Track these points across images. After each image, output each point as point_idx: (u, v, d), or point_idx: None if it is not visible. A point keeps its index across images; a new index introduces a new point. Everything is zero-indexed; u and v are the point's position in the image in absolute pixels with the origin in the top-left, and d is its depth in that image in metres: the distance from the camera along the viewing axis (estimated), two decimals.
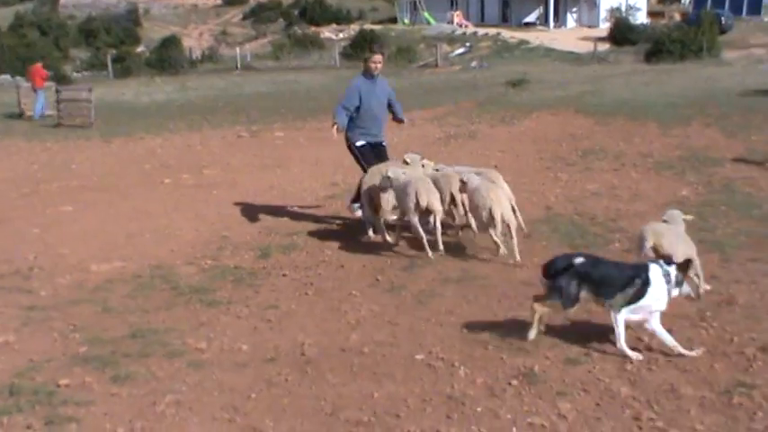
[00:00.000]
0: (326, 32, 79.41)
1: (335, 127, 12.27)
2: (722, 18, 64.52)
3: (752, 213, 12.03)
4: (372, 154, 12.48)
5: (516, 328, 7.78)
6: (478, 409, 6.24)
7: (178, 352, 7.57)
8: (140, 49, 77.34)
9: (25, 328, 8.40)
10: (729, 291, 8.75)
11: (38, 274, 10.25)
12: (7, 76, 57.61)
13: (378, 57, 12.68)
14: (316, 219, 12.64)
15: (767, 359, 6.97)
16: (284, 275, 9.87)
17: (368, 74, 12.55)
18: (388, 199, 11.08)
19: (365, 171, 11.94)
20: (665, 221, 9.24)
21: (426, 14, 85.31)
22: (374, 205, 11.30)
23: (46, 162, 20.45)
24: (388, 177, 10.82)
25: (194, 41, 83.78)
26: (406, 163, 11.58)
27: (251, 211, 13.25)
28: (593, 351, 7.26)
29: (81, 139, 25.60)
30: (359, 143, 12.51)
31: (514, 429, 5.93)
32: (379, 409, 6.30)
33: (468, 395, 6.50)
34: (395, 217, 11.24)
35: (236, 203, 13.95)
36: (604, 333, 7.63)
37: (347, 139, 12.55)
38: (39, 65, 38.17)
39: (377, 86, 12.67)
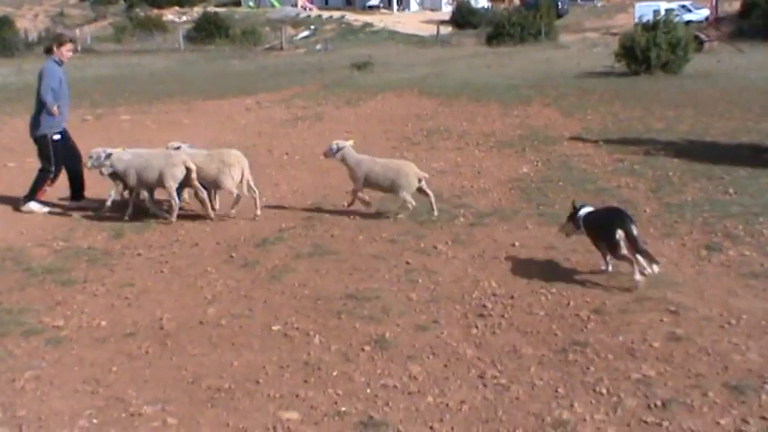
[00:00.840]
0: (169, 15, 78.75)
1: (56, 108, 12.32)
2: (559, 3, 66.32)
3: (587, 188, 12.64)
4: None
5: (368, 298, 8.14)
6: (334, 374, 6.51)
7: (35, 330, 7.60)
8: None
9: None
10: (567, 258, 9.22)
11: None
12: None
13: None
14: (164, 202, 12.58)
15: (599, 320, 7.46)
16: (139, 255, 9.91)
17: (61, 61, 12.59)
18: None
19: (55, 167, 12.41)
20: None
21: None
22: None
23: None
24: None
25: (29, 23, 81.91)
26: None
27: (99, 193, 13.14)
28: (441, 318, 7.62)
29: None
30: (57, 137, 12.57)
31: (368, 390, 6.21)
32: (239, 377, 6.50)
33: (323, 361, 6.76)
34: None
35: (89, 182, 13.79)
36: (452, 301, 8.04)
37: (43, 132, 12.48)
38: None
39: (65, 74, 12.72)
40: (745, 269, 8.72)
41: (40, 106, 12.32)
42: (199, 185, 11.29)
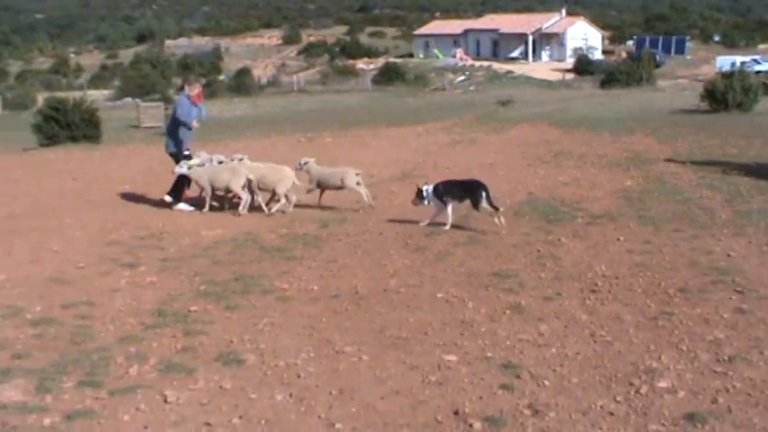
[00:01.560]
0: (360, 64, 79.50)
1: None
2: (657, 56, 64.69)
3: (676, 198, 12.34)
4: None
5: (508, 276, 8.24)
6: (482, 329, 6.64)
7: (269, 290, 7.94)
8: (222, 77, 77.53)
9: (162, 272, 8.78)
10: (660, 250, 9.15)
11: (166, 237, 10.58)
12: (129, 99, 58.14)
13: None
14: (358, 201, 12.62)
15: (683, 296, 7.40)
16: (339, 240, 10.13)
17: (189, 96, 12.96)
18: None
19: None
20: None
21: (436, 51, 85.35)
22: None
23: (161, 159, 20.78)
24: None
25: (261, 71, 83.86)
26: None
27: (312, 195, 13.47)
28: (563, 292, 7.68)
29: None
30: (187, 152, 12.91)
31: (508, 342, 6.33)
32: (413, 329, 6.68)
33: (475, 320, 6.89)
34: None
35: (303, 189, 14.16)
36: (572, 279, 8.09)
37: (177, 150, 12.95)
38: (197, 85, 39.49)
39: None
40: None
41: (175, 127, 12.80)
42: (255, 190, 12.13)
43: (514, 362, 5.91)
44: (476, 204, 10.49)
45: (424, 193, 10.79)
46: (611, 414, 5.05)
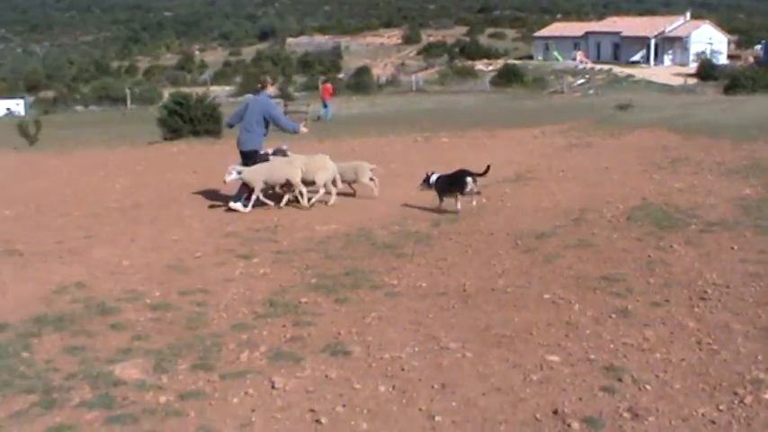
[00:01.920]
0: (479, 65, 79.25)
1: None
2: None
3: None
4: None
5: (616, 280, 8.19)
6: (587, 332, 6.62)
7: (378, 286, 8.10)
8: (341, 75, 78.57)
9: (275, 264, 9.06)
10: None
11: (280, 231, 10.88)
12: (250, 95, 59.58)
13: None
14: (467, 200, 12.80)
15: None
16: (450, 239, 10.17)
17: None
18: None
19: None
20: None
21: (556, 53, 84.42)
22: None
23: None
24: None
25: (380, 70, 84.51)
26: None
27: (425, 194, 13.51)
28: (671, 298, 7.59)
29: (302, 140, 26.41)
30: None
31: (612, 345, 6.30)
32: (518, 329, 6.72)
33: (580, 322, 6.87)
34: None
35: (414, 188, 14.23)
36: (681, 286, 7.98)
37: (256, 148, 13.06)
38: (328, 84, 40.36)
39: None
40: None
41: (258, 126, 12.93)
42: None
43: (617, 365, 5.89)
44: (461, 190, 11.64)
45: (431, 180, 12.03)
46: (713, 422, 5.00)
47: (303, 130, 13.19)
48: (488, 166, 12.04)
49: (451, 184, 11.79)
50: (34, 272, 8.99)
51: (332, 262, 9.16)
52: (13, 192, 15.60)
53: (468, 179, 11.57)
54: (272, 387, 5.60)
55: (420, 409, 5.20)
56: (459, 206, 11.71)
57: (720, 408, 5.20)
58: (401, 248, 9.72)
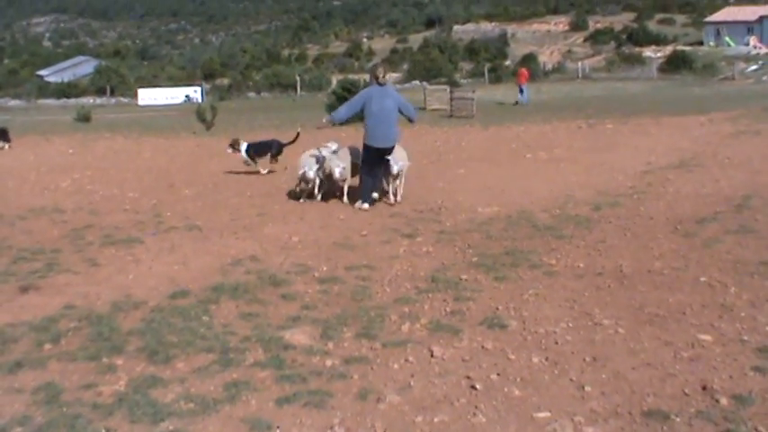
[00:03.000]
0: (647, 52, 76.87)
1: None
2: None
3: None
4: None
5: None
6: (742, 314, 6.54)
7: (537, 265, 8.22)
8: (507, 62, 78.06)
9: (438, 243, 9.34)
10: None
11: (444, 212, 11.16)
12: (416, 82, 60.24)
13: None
14: (632, 186, 12.67)
15: None
16: (610, 222, 10.15)
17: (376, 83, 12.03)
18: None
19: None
20: None
21: (727, 38, 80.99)
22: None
23: (444, 140, 21.66)
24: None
25: (547, 57, 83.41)
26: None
27: (588, 179, 13.52)
28: None
29: (466, 125, 26.71)
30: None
31: (767, 328, 6.28)
32: (672, 309, 6.72)
33: (735, 305, 6.78)
34: None
35: (577, 173, 14.30)
36: None
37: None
38: (524, 69, 41.13)
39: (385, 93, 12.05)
40: None
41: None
42: None
43: None
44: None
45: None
46: None
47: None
48: (298, 134, 13.99)
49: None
50: (212, 245, 9.63)
51: (493, 242, 9.36)
52: (192, 173, 16.57)
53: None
54: (431, 355, 5.88)
55: (571, 380, 5.36)
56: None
57: None
58: (561, 230, 9.80)
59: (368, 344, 6.17)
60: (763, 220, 10.04)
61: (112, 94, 68.13)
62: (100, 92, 69.39)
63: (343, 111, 12.42)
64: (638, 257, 8.45)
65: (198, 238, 10.10)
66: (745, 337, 6.05)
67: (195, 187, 14.36)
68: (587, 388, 5.22)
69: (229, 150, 15.88)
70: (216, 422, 4.92)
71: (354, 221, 10.76)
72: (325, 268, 8.41)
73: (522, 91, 37.98)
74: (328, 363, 5.82)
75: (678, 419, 4.76)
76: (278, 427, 4.83)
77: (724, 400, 4.99)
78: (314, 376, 5.56)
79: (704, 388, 5.18)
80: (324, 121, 14.33)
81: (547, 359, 5.73)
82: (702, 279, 7.59)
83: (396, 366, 5.72)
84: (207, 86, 67.67)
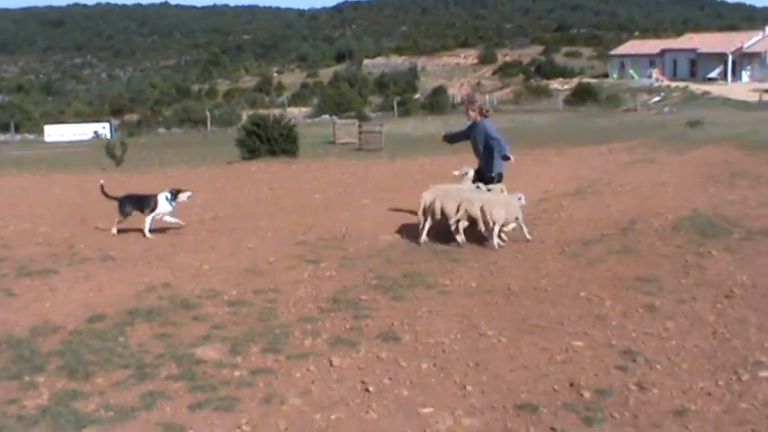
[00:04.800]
0: (554, 84, 79.46)
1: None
2: None
3: None
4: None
5: (650, 281, 8.88)
6: (614, 323, 7.36)
7: (432, 285, 8.91)
8: (417, 95, 79.67)
9: (341, 268, 9.96)
10: None
11: (348, 239, 11.77)
12: (326, 116, 61.09)
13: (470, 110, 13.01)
14: (528, 213, 13.23)
15: None
16: (503, 247, 10.87)
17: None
18: None
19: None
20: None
21: (631, 71, 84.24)
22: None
23: (352, 172, 22.34)
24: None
25: (456, 90, 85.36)
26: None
27: None
28: (698, 296, 8.26)
29: (374, 158, 27.49)
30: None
31: (633, 334, 7.03)
32: (551, 320, 7.50)
33: (608, 316, 7.61)
34: None
35: None
36: (710, 286, 8.66)
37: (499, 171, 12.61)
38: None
39: (476, 130, 12.76)
40: None
41: (492, 151, 12.39)
42: None
43: (634, 349, 6.66)
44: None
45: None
46: (709, 394, 5.75)
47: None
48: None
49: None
50: (126, 274, 10.09)
51: (392, 266, 10.02)
52: (103, 207, 16.86)
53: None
54: (330, 365, 6.53)
55: (455, 381, 6.07)
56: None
57: (719, 383, 5.93)
58: (457, 254, 10.55)
59: (273, 357, 6.78)
60: (646, 241, 10.98)
61: (17, 130, 67.09)
62: (4, 128, 68.19)
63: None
64: (527, 276, 9.25)
65: (112, 268, 10.52)
66: (614, 342, 6.85)
67: (108, 220, 14.69)
68: (468, 388, 5.93)
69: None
70: (134, 427, 5.47)
71: (262, 250, 11.31)
72: (234, 292, 8.97)
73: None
74: (236, 374, 6.40)
75: (546, 410, 5.50)
76: (191, 429, 5.41)
77: (587, 394, 5.74)
78: (223, 385, 6.15)
79: (572, 385, 5.93)
80: None
81: (435, 365, 6.43)
82: (582, 294, 8.42)
83: (298, 375, 6.34)
84: (115, 122, 67.30)
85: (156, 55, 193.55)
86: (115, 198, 13.10)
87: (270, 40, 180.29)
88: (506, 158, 12.35)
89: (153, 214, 12.66)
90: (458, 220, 11.03)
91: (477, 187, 12.12)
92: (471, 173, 12.87)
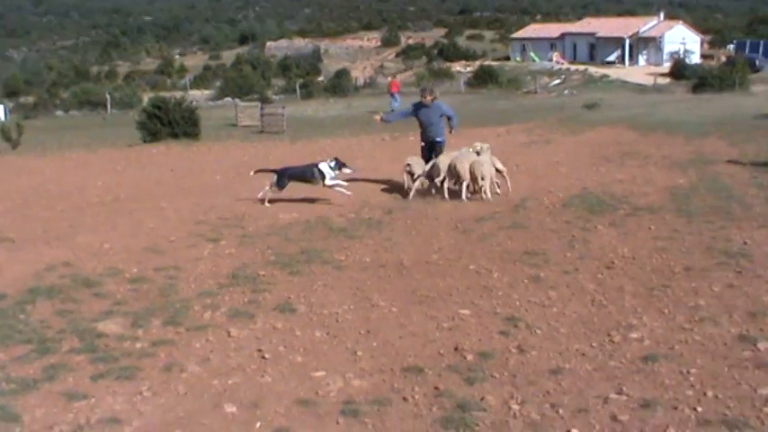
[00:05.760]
0: (457, 67, 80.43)
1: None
2: (756, 60, 63.93)
3: (721, 194, 13.04)
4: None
5: (537, 254, 9.39)
6: (500, 293, 7.82)
7: (328, 261, 9.26)
8: (320, 78, 79.70)
9: (240, 246, 10.22)
10: (683, 238, 10.09)
11: (247, 219, 12.00)
12: (229, 98, 60.71)
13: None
14: (423, 191, 13.95)
15: (686, 274, 8.35)
16: (398, 224, 11.31)
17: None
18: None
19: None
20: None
21: (532, 54, 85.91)
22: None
23: (253, 154, 22.48)
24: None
25: (359, 72, 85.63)
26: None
27: (385, 186, 14.84)
28: (581, 267, 8.78)
29: (276, 140, 27.65)
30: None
31: (518, 303, 7.49)
32: (440, 291, 7.91)
33: (495, 286, 8.06)
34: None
35: (376, 180, 15.52)
36: (593, 258, 9.20)
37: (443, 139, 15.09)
38: (394, 79, 43.39)
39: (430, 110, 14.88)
40: None
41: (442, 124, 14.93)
42: None
43: (518, 316, 7.11)
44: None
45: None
46: (583, 354, 6.22)
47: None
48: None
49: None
50: (26, 254, 10.12)
51: (291, 243, 10.33)
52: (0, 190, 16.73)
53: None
54: (229, 335, 6.82)
55: (346, 347, 6.43)
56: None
57: (593, 345, 6.41)
58: (354, 232, 10.91)
59: (173, 329, 7.03)
60: (536, 217, 11.51)
61: None
62: None
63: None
64: (419, 251, 9.66)
65: (11, 249, 10.51)
66: (499, 310, 7.30)
67: (3, 203, 14.61)
68: (359, 353, 6.29)
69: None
70: (37, 397, 5.65)
71: (163, 229, 11.45)
72: (135, 270, 9.13)
73: (395, 99, 39.68)
74: (138, 345, 6.64)
75: (431, 372, 5.90)
76: (93, 397, 5.62)
77: (470, 357, 6.16)
78: (125, 356, 6.38)
79: (456, 349, 6.34)
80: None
81: (328, 333, 6.78)
82: (471, 267, 8.87)
83: (197, 345, 6.61)
84: (10, 105, 65.46)
85: (53, 35, 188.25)
86: (273, 171, 13.71)
87: (171, 22, 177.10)
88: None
89: (333, 182, 13.45)
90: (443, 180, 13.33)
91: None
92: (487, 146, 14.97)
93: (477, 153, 14.05)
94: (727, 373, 5.80)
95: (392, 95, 41.04)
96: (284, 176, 13.31)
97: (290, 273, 8.82)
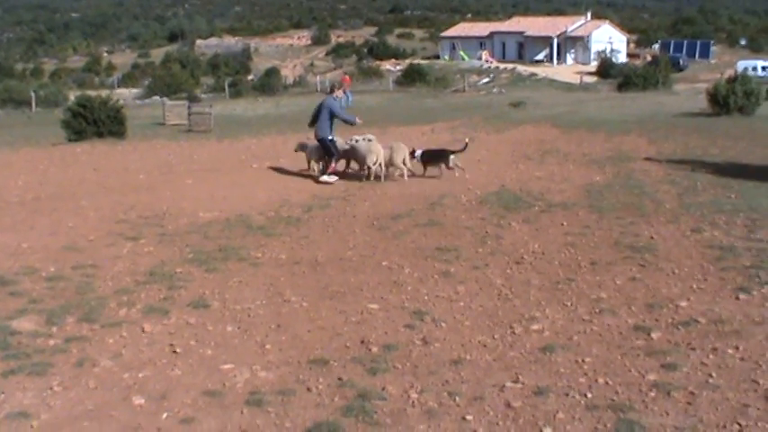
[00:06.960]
0: (387, 65, 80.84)
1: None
2: (680, 60, 65.57)
3: (633, 191, 13.41)
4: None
5: (449, 250, 9.67)
6: (409, 288, 8.08)
7: (244, 258, 9.44)
8: (250, 77, 79.40)
9: (159, 244, 10.32)
10: (593, 233, 10.46)
11: (168, 217, 12.07)
12: (157, 97, 60.18)
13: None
14: (345, 190, 14.16)
15: (591, 268, 8.71)
16: (316, 221, 11.54)
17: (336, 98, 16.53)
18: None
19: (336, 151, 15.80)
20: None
21: (462, 53, 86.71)
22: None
23: (178, 153, 22.38)
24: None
25: (289, 71, 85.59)
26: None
27: (305, 185, 14.88)
28: (491, 263, 9.10)
29: (203, 139, 27.53)
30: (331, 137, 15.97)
31: (426, 297, 7.77)
32: (352, 287, 8.16)
33: (406, 282, 8.33)
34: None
35: (296, 180, 15.62)
36: (504, 254, 9.51)
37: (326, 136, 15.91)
38: (346, 76, 43.52)
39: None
40: (708, 243, 9.66)
41: (327, 120, 15.92)
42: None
43: (424, 310, 7.39)
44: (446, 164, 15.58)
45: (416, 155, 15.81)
46: (484, 346, 6.51)
47: (358, 121, 16.74)
48: (466, 143, 16.38)
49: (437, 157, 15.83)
50: None
51: (209, 241, 10.47)
52: None
53: (452, 156, 15.56)
54: (142, 331, 6.99)
55: (256, 341, 6.64)
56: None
57: (495, 336, 6.71)
58: (272, 229, 11.09)
59: (88, 326, 7.17)
60: (451, 214, 11.81)
61: None
62: None
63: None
64: (334, 249, 9.89)
65: None
66: (407, 305, 7.57)
67: None
68: (268, 346, 6.51)
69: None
70: None
71: (83, 228, 11.47)
72: (52, 269, 9.19)
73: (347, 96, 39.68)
74: (51, 342, 6.77)
75: (336, 364, 6.14)
76: (2, 393, 5.73)
77: (375, 349, 6.41)
78: (37, 353, 6.51)
79: (362, 342, 6.59)
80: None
81: (239, 328, 7.00)
82: (384, 263, 9.12)
83: (111, 341, 6.78)
84: None
85: None
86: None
87: (99, 19, 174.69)
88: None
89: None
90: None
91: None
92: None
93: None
94: (620, 361, 6.15)
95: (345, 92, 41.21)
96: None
97: (206, 270, 8.98)
